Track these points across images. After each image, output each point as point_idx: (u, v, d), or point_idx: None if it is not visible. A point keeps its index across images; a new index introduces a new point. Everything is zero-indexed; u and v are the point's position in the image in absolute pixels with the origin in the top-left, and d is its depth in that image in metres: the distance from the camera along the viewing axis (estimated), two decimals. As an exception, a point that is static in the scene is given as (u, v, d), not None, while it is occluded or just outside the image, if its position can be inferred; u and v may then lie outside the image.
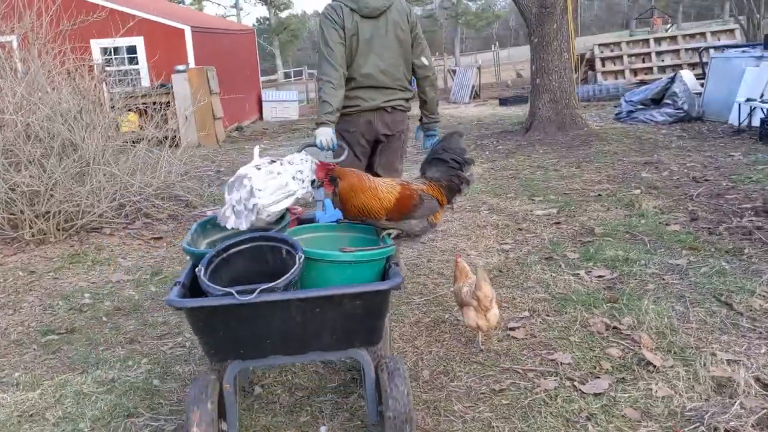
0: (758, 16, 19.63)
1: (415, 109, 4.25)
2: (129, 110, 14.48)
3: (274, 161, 2.90)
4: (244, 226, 2.74)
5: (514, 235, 5.62)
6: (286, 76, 38.77)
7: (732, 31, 17.97)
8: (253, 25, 60.67)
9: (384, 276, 2.70)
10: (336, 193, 2.90)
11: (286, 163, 2.92)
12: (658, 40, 17.90)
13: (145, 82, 15.77)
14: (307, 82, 28.53)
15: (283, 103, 21.50)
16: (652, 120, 11.23)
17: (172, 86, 14.70)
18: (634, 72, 17.10)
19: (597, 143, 9.61)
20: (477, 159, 9.29)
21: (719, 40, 17.17)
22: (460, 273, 3.65)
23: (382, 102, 4.06)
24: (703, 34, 17.68)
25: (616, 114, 12.14)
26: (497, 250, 5.26)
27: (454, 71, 23.92)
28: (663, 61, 17.07)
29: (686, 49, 16.74)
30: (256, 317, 2.41)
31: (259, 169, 2.80)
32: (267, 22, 63.33)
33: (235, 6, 60.31)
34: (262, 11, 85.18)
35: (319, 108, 3.89)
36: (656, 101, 11.48)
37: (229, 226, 2.78)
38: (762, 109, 9.15)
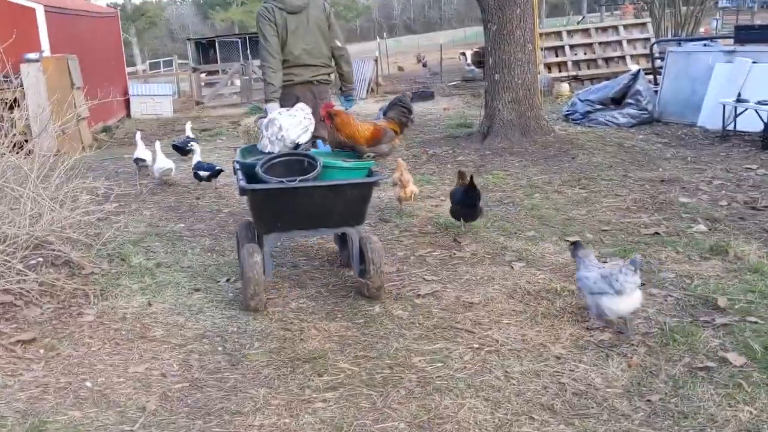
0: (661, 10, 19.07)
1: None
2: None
3: (289, 109, 4.48)
4: (276, 150, 4.24)
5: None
6: (153, 66, 35.06)
7: (644, 24, 17.19)
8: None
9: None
10: (333, 125, 4.30)
11: (299, 109, 4.45)
12: (570, 33, 16.81)
13: (-15, 73, 12.58)
14: (178, 74, 25.41)
15: (154, 97, 18.57)
16: (613, 122, 9.82)
17: (20, 79, 11.71)
18: (577, 64, 15.83)
19: (577, 152, 8.00)
20: (440, 175, 7.40)
21: (632, 33, 16.32)
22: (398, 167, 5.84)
23: (309, 76, 5.24)
24: (615, 28, 16.78)
25: (567, 114, 10.65)
26: (593, 345, 3.38)
27: (346, 63, 21.88)
28: (605, 52, 15.90)
29: (628, 41, 15.70)
30: (293, 199, 3.87)
31: (281, 114, 4.40)
32: (120, 8, 58.30)
33: (85, -11, 54.87)
34: (114, -4, 78.83)
35: (265, 88, 5.13)
36: (616, 101, 10.09)
37: (266, 150, 4.27)
38: (759, 112, 7.88)
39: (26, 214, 4.45)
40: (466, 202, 5.10)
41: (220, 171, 7.29)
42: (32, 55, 11.96)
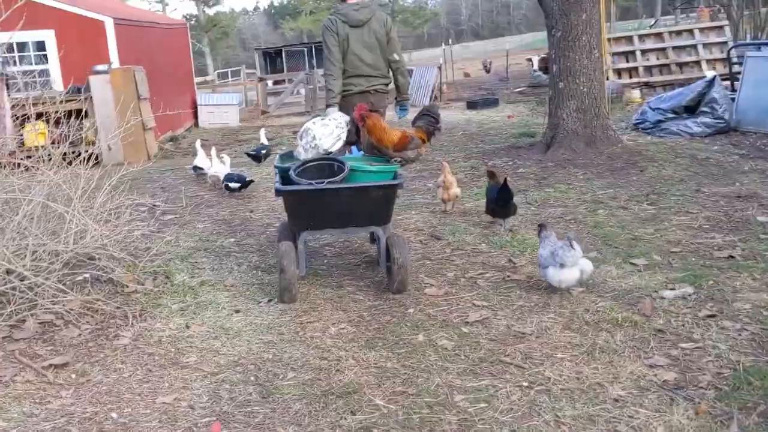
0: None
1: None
2: (37, 120, 11.85)
3: (323, 118, 4.84)
4: (309, 157, 4.54)
5: (668, 351, 3.42)
6: (221, 76, 35.73)
7: (721, 27, 16.36)
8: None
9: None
10: (365, 126, 4.59)
11: (332, 119, 4.80)
12: (641, 38, 16.15)
13: (59, 85, 12.97)
14: (246, 83, 25.76)
15: (221, 107, 18.84)
16: (686, 132, 9.27)
17: (89, 90, 12.00)
18: (649, 70, 15.22)
19: (646, 165, 7.55)
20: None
21: (708, 37, 15.56)
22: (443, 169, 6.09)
23: (367, 86, 5.67)
24: (690, 31, 16.03)
25: (636, 123, 10.15)
26: (656, 387, 3.05)
27: (410, 71, 21.65)
28: (679, 56, 15.23)
29: (704, 45, 15.00)
30: (322, 199, 4.25)
31: (315, 123, 4.72)
32: (194, 19, 59.87)
33: (161, 1, 56.57)
34: (190, 7, 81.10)
35: (326, 94, 5.66)
36: (690, 109, 9.53)
37: (301, 158, 4.57)
38: None
39: (71, 232, 4.40)
40: (500, 200, 5.46)
41: (251, 182, 7.55)
42: (101, 67, 12.23)
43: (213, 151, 8.53)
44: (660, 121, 9.64)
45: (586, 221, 5.71)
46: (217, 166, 8.23)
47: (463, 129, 12.20)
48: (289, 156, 4.84)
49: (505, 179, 5.45)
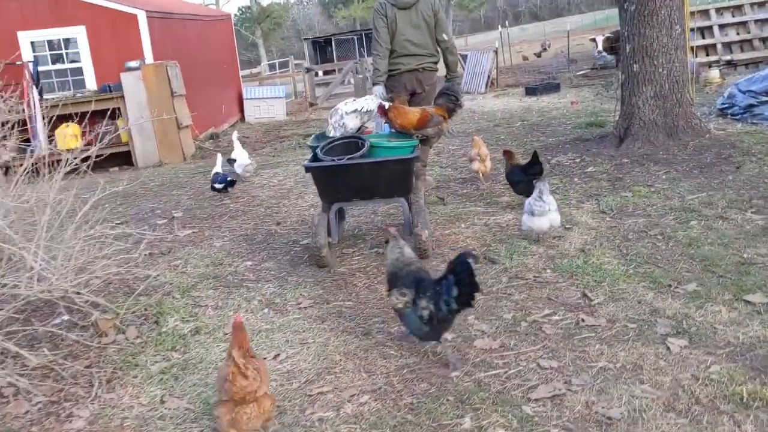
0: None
1: None
2: (68, 122, 11.26)
3: (356, 100, 5.25)
4: (338, 135, 5.00)
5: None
6: (270, 68, 35.12)
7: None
8: (235, 14, 56.95)
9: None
10: (388, 118, 4.99)
11: (362, 101, 5.19)
12: (719, 11, 14.59)
13: (91, 84, 12.39)
14: (294, 75, 24.96)
15: (267, 100, 18.09)
16: (783, 117, 7.95)
17: (122, 88, 11.33)
18: (729, 47, 13.77)
19: (742, 159, 6.31)
20: (564, 192, 6.01)
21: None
22: (475, 144, 6.34)
23: (415, 65, 6.04)
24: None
25: (722, 107, 8.83)
26: None
27: (465, 56, 20.38)
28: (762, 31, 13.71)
29: None
30: (345, 174, 4.61)
31: (345, 104, 5.16)
32: (248, 11, 59.54)
33: (213, -6, 56.36)
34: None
35: (372, 73, 6.17)
36: (788, 90, 8.18)
37: (330, 136, 5.03)
38: None
39: (35, 270, 3.56)
40: (527, 177, 5.42)
41: (234, 182, 7.54)
42: (132, 63, 11.57)
43: (237, 143, 8.48)
44: (752, 106, 8.31)
45: (676, 236, 4.60)
46: (242, 157, 8.24)
47: (522, 119, 11.05)
48: (322, 135, 5.26)
49: (535, 153, 5.52)
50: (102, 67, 12.26)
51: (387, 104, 5.17)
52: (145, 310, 4.04)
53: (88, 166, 4.27)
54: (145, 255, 5.23)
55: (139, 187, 8.65)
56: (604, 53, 18.74)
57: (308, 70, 20.59)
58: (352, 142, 4.80)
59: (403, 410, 2.86)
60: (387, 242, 3.45)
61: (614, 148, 7.26)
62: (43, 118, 10.57)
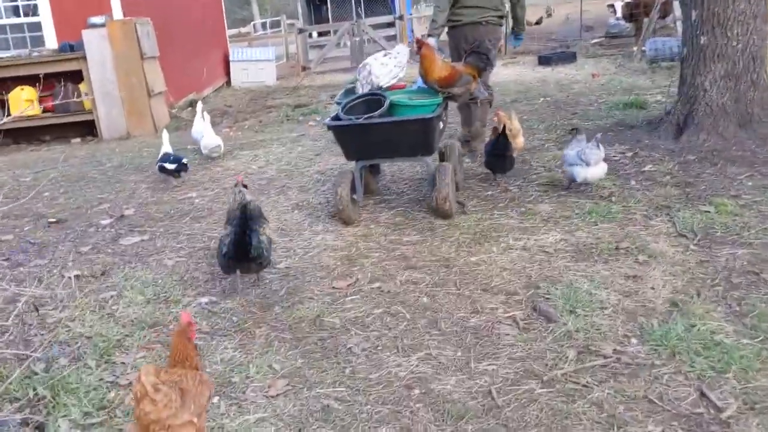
0: None
1: None
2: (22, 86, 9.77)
3: (387, 53, 5.01)
4: (366, 91, 4.80)
5: None
6: (262, 27, 33.25)
7: None
8: (226, -31, 54.47)
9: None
10: (419, 54, 4.68)
11: (394, 54, 4.96)
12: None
13: (51, 41, 10.82)
14: (287, 36, 23.18)
15: (257, 63, 16.52)
16: None
17: (84, 48, 9.80)
18: None
19: None
20: (623, 202, 4.65)
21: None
22: (500, 119, 5.42)
23: (478, 17, 5.73)
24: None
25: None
26: None
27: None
28: None
29: None
30: (366, 132, 4.52)
31: (375, 59, 4.92)
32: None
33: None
34: (237, -45, 78.08)
35: (429, 24, 5.88)
36: None
37: (359, 92, 4.85)
38: None
39: None
40: (495, 152, 5.14)
41: (186, 166, 6.22)
42: (97, 19, 10.01)
43: (207, 118, 7.37)
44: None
45: (805, 286, 3.26)
46: (210, 137, 7.06)
47: (542, 93, 9.58)
48: (351, 91, 5.11)
49: (504, 128, 5.15)
50: (64, 22, 10.68)
51: (432, 40, 5.27)
52: (31, 395, 2.67)
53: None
54: (70, 278, 3.90)
55: (93, 168, 7.24)
56: (622, 20, 17.19)
57: (301, 31, 18.94)
58: (374, 99, 4.67)
59: None
60: None
61: (672, 139, 5.87)
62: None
